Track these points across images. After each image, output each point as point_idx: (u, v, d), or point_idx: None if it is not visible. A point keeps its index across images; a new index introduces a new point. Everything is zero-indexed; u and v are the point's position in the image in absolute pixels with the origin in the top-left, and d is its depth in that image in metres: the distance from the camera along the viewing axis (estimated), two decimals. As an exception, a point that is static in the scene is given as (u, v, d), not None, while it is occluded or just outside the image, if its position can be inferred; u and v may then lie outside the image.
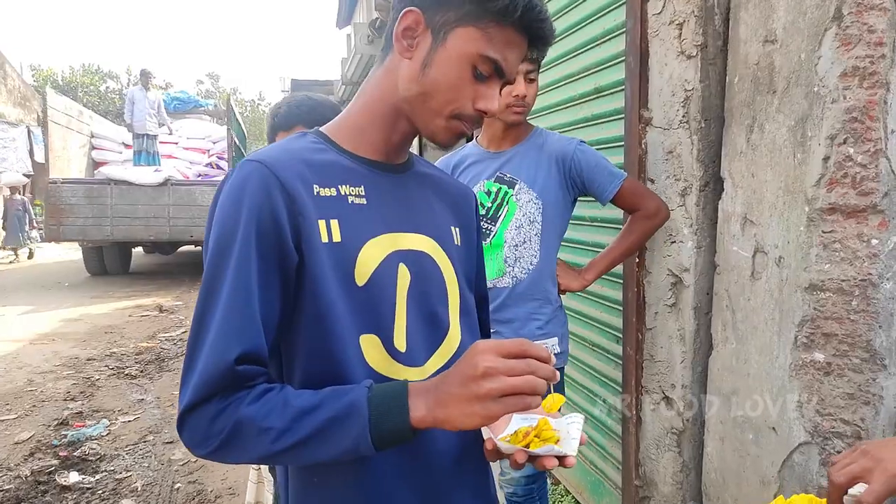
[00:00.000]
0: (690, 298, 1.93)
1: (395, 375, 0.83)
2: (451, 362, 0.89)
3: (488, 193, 1.89)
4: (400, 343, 0.83)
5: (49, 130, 9.55)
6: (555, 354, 1.89)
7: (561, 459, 0.76)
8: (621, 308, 2.24)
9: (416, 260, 0.86)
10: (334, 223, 0.80)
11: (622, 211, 2.14)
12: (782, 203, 1.59)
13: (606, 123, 2.33)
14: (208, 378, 0.71)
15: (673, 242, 1.98)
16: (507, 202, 1.86)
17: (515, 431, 0.82)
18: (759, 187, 1.67)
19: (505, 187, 1.87)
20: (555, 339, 1.88)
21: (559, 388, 1.96)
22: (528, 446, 0.79)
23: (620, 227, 1.96)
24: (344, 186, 0.82)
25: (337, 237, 0.79)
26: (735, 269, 1.78)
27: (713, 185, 1.89)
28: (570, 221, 2.01)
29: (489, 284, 1.87)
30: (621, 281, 2.22)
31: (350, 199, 0.82)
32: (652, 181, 2.04)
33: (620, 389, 2.29)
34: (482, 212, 1.90)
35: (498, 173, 1.89)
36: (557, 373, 0.71)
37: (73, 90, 27.53)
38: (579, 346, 2.66)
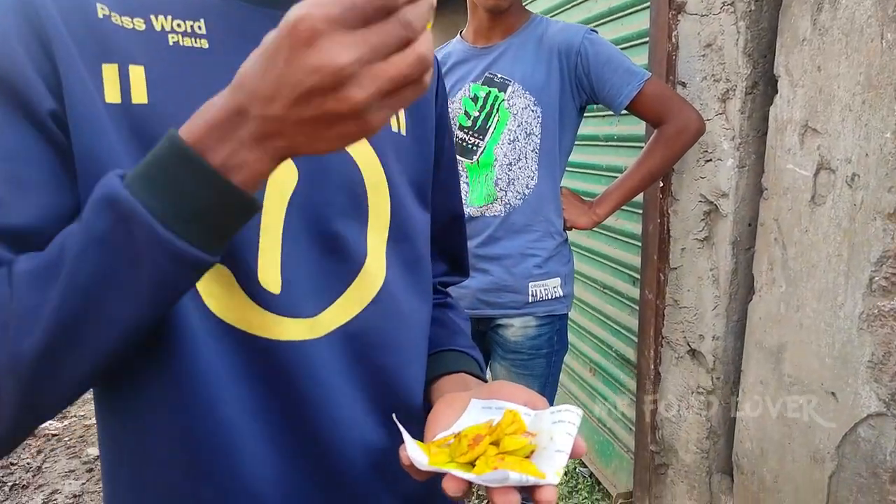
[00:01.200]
0: (728, 231, 1.59)
1: (266, 333, 0.52)
2: (366, 316, 0.58)
3: (474, 100, 1.52)
4: (270, 280, 0.52)
5: None
6: (557, 298, 1.56)
7: (532, 491, 0.43)
8: (639, 244, 1.91)
9: None
10: (136, 73, 0.45)
11: (644, 126, 1.77)
12: (860, 103, 1.22)
13: (628, 17, 1.93)
14: None
15: (708, 161, 1.62)
16: (498, 109, 1.49)
17: (459, 433, 0.49)
18: (827, 84, 1.30)
19: (495, 91, 1.50)
20: (556, 281, 1.55)
21: (552, 375, 1.63)
22: (472, 464, 0.46)
23: (642, 146, 1.59)
24: (162, 17, 0.47)
25: (140, 96, 0.46)
26: (789, 193, 1.42)
27: (763, 87, 1.52)
28: (578, 142, 1.65)
29: (475, 212, 1.53)
30: (640, 211, 1.88)
31: (173, 37, 0.47)
32: (683, 84, 1.66)
33: (636, 340, 1.98)
34: (467, 123, 1.53)
35: (486, 73, 1.51)
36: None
37: None
38: (588, 289, 2.35)
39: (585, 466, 2.43)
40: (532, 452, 0.48)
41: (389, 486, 0.60)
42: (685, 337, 1.78)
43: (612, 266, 2.21)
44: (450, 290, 0.82)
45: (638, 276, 1.96)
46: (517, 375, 1.60)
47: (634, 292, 2.02)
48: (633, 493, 2.05)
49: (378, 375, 0.59)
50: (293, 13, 0.33)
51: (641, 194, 1.81)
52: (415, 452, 0.48)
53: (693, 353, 1.76)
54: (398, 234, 0.61)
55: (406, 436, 0.49)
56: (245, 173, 0.38)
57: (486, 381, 0.67)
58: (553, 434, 0.48)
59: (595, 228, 2.11)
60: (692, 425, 1.78)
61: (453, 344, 0.70)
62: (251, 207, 0.40)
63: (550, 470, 0.45)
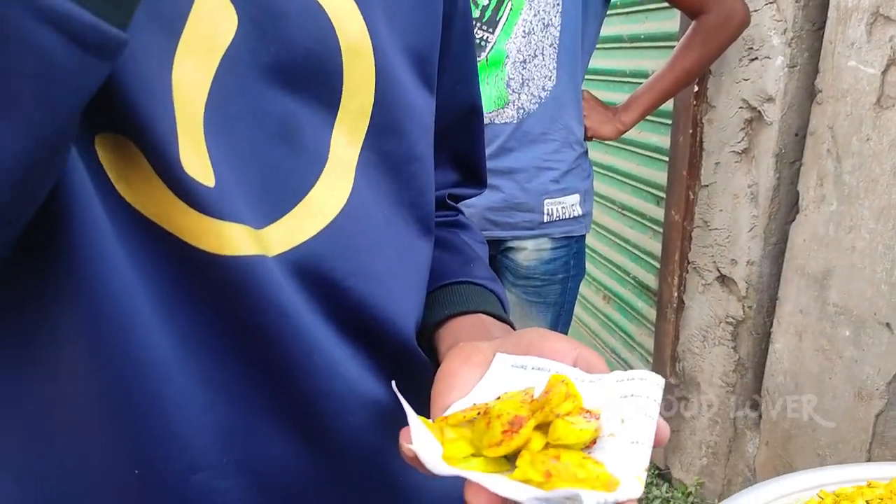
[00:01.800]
0: (773, 141, 1.41)
1: (201, 241, 0.37)
2: (325, 239, 0.42)
3: (484, -15, 1.31)
4: (196, 165, 0.36)
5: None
6: (575, 217, 1.40)
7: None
8: (666, 159, 1.74)
9: None
10: None
11: (677, 22, 1.56)
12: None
13: None
14: None
15: (753, 60, 1.42)
16: (512, -4, 1.28)
17: (488, 409, 0.35)
18: (909, -41, 1.09)
19: (509, -28, 1.28)
20: (575, 198, 1.39)
21: (567, 303, 1.48)
22: (508, 458, 0.31)
23: (673, 47, 1.39)
24: None
25: None
26: (849, 95, 1.24)
27: (824, -32, 1.31)
28: (599, 45, 1.44)
29: (485, 119, 1.34)
30: (669, 121, 1.70)
31: None
32: (727, -31, 1.43)
33: (658, 265, 1.83)
34: (474, 14, 1.32)
35: (499, -50, 1.29)
36: None
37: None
38: (604, 210, 2.19)
39: (596, 397, 2.33)
40: (592, 443, 0.33)
41: (382, 442, 0.45)
42: (714, 262, 1.63)
43: (633, 185, 2.04)
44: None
45: (663, 196, 1.79)
46: (528, 304, 1.46)
47: (658, 213, 1.86)
48: (648, 427, 1.96)
49: (352, 308, 0.44)
50: None
51: (671, 101, 1.62)
52: (424, 445, 0.33)
53: (723, 279, 1.61)
54: (384, 124, 0.45)
55: (411, 414, 0.34)
56: None
57: (512, 326, 0.51)
58: (624, 414, 0.33)
59: (614, 142, 1.94)
60: (718, 357, 1.66)
61: (467, 274, 0.55)
62: None
63: (628, 474, 0.30)
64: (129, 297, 0.35)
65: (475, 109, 0.60)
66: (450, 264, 0.55)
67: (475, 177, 0.64)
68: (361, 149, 0.44)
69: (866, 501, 0.68)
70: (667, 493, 1.82)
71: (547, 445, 0.32)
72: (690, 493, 1.76)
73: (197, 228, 0.36)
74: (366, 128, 0.44)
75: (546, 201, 1.36)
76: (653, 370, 1.91)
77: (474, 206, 1.38)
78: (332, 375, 0.42)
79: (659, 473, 1.90)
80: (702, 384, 1.73)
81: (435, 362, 0.46)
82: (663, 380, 0.35)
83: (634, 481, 0.30)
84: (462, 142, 0.61)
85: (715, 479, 1.73)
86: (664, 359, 1.82)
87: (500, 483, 0.29)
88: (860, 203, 1.24)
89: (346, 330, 0.44)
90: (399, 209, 0.48)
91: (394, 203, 0.47)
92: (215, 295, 0.37)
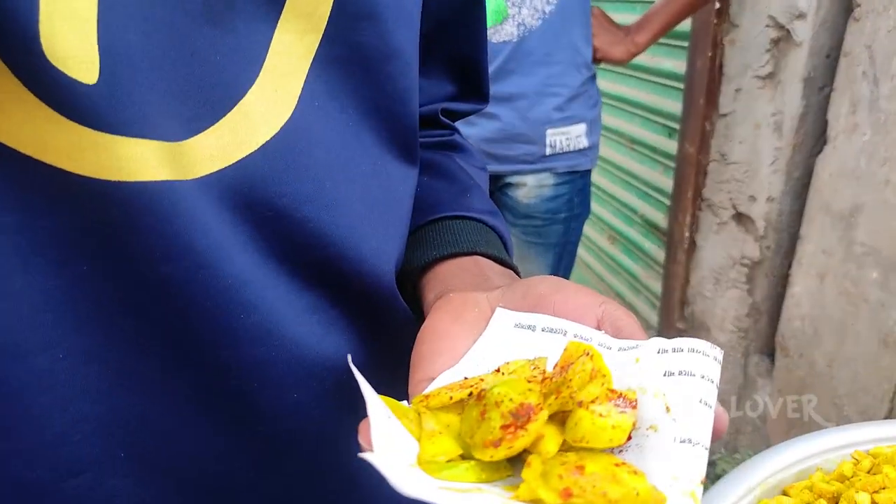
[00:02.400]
0: (801, 63, 1.29)
1: (81, 167, 0.26)
2: (266, 153, 0.32)
3: None
4: (70, 53, 0.25)
5: None
6: (580, 150, 1.29)
7: None
8: (681, 86, 1.62)
9: None
10: None
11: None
12: None
13: None
14: None
15: (783, -30, 1.28)
16: None
17: (482, 389, 0.26)
18: None
19: None
20: (580, 128, 1.28)
21: (570, 244, 1.37)
22: (512, 462, 0.24)
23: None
24: None
25: None
26: (892, 7, 1.11)
27: None
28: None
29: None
30: (686, 43, 1.57)
31: None
32: None
33: (669, 203, 1.73)
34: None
35: None
36: None
37: None
38: (613, 143, 2.10)
39: (599, 342, 2.28)
40: (628, 438, 0.24)
41: (341, 419, 0.36)
42: (731, 199, 1.53)
43: (642, 115, 1.92)
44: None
45: (676, 127, 1.68)
46: (528, 245, 1.37)
47: (671, 146, 1.75)
48: (653, 373, 1.90)
49: (307, 244, 0.34)
50: None
51: (689, 20, 1.49)
52: (389, 444, 0.23)
53: (739, 217, 1.52)
54: (353, 9, 0.33)
55: (371, 398, 0.25)
56: None
57: (518, 273, 0.42)
58: (670, 400, 0.24)
59: (623, 68, 1.81)
60: (730, 301, 1.58)
61: (462, 207, 0.45)
62: None
63: (678, 489, 0.21)
64: None
65: (473, 2, 0.48)
66: (441, 194, 0.46)
67: (475, 87, 0.53)
68: (321, 39, 0.33)
69: (914, 468, 0.60)
70: (671, 440, 1.77)
71: (565, 446, 0.23)
72: (696, 441, 1.72)
73: (77, 146, 0.26)
74: (327, 13, 0.33)
75: (549, 132, 1.25)
76: (660, 315, 1.83)
77: (470, 138, 1.27)
78: (273, 339, 0.32)
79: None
80: (712, 329, 1.65)
81: (419, 317, 0.36)
82: (722, 352, 0.26)
83: (688, 500, 0.21)
84: (459, 41, 0.49)
85: (722, 427, 1.68)
86: (672, 303, 1.75)
87: None
88: (898, 132, 1.13)
89: (300, 275, 0.34)
90: (371, 120, 0.37)
91: (365, 112, 0.37)
92: (105, 239, 0.28)
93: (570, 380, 0.24)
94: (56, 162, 0.25)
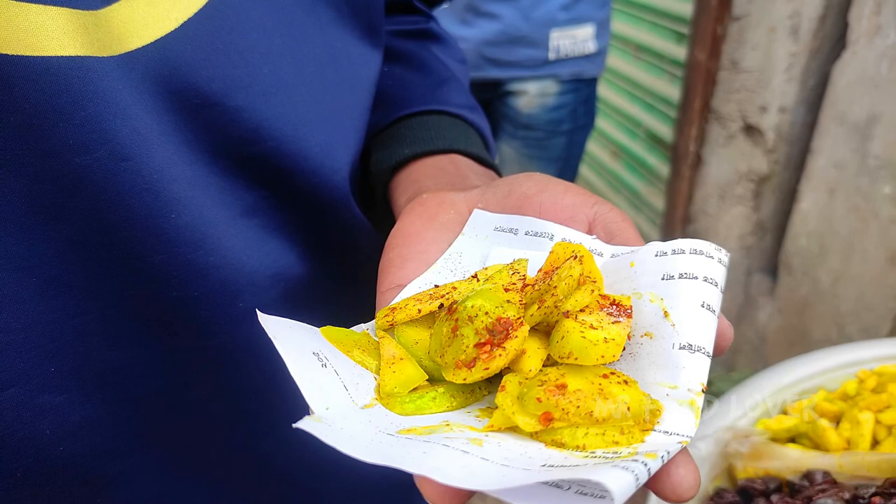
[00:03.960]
0: (825, -41, 1.22)
1: None
2: (192, 30, 0.28)
3: None
4: None
5: None
6: (587, 56, 1.24)
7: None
8: (693, -14, 1.53)
9: None
10: None
11: None
12: None
13: None
14: None
15: None
16: None
17: (453, 301, 0.24)
18: None
19: None
20: (588, 30, 1.22)
21: (572, 157, 1.33)
22: (486, 387, 0.23)
23: None
24: None
25: None
26: None
27: None
28: None
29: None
30: (700, -62, 1.47)
31: None
32: None
33: (675, 115, 1.68)
34: None
35: None
36: None
37: None
38: (619, 51, 2.03)
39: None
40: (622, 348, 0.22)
41: None
42: (740, 110, 1.48)
43: (649, 19, 1.84)
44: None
45: (686, 32, 1.61)
46: (528, 158, 1.33)
47: (679, 53, 1.68)
48: (652, 291, 1.91)
49: (243, 138, 0.30)
50: None
51: (705, -88, 1.40)
52: (321, 391, 0.21)
53: (748, 129, 1.48)
54: None
55: (284, 348, 0.22)
56: None
57: (498, 172, 0.40)
58: (666, 303, 0.22)
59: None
60: (735, 218, 1.56)
61: (438, 100, 0.42)
62: None
63: (676, 399, 0.20)
64: None
65: None
66: (415, 87, 0.42)
67: None
68: None
69: (922, 385, 0.60)
70: (668, 358, 1.80)
71: (549, 362, 0.21)
72: (693, 359, 1.74)
73: None
74: None
75: (553, 34, 1.19)
76: (662, 232, 1.82)
77: (467, 41, 1.22)
78: (208, 242, 0.30)
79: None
80: (714, 247, 1.65)
81: (390, 221, 0.34)
82: (728, 254, 0.24)
83: (686, 412, 0.19)
84: None
85: (720, 346, 1.70)
86: (675, 220, 1.73)
87: (456, 469, 0.18)
88: (925, 35, 1.08)
89: (234, 173, 0.31)
90: None
91: None
92: (13, 127, 0.24)
93: (556, 286, 0.22)
94: None
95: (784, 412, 0.69)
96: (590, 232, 0.27)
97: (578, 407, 0.19)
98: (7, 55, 0.23)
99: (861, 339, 1.20)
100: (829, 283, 1.34)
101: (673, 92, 1.74)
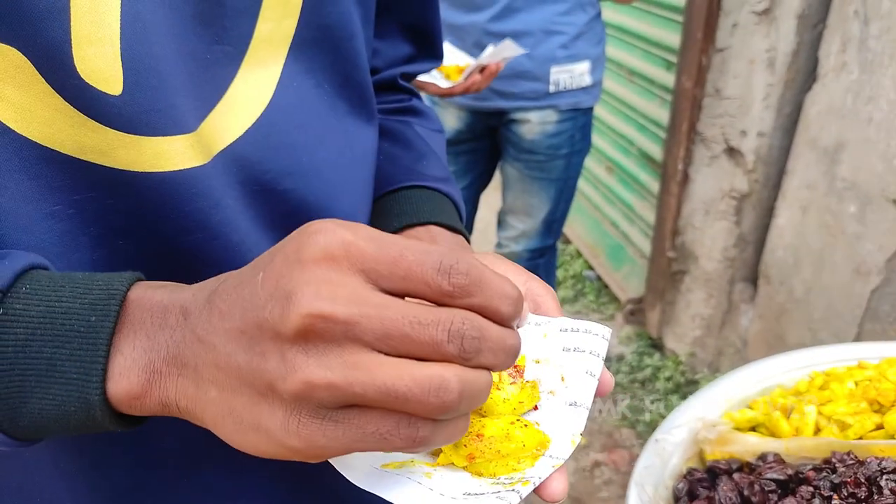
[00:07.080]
0: (796, 0, 1.34)
1: (115, 160, 0.33)
2: (251, 136, 0.38)
3: None
4: (98, 71, 0.31)
5: None
6: (583, 88, 1.35)
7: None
8: (681, 19, 1.65)
9: None
10: None
11: None
12: None
13: None
14: None
15: None
16: None
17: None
18: None
19: None
20: (584, 66, 1.34)
21: (570, 178, 1.44)
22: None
23: None
24: None
25: None
26: (887, -50, 1.16)
27: None
28: None
29: (487, -24, 1.26)
30: (686, -24, 1.59)
31: None
32: None
33: (664, 136, 1.80)
34: None
35: None
36: (525, 314, 0.28)
37: None
38: (610, 75, 2.14)
39: (593, 269, 2.39)
40: (535, 408, 0.33)
41: None
42: (723, 133, 1.60)
43: (642, 48, 1.96)
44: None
45: (674, 61, 1.73)
46: (531, 179, 1.45)
47: (668, 79, 1.80)
48: (643, 299, 2.02)
49: (292, 212, 0.41)
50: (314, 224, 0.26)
51: (690, -46, 1.52)
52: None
53: (731, 151, 1.60)
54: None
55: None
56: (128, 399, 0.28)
57: (466, 238, 0.49)
58: (565, 371, 0.33)
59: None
60: (719, 232, 1.68)
61: (418, 176, 0.51)
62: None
63: (559, 437, 0.30)
64: (25, 239, 0.32)
65: None
66: (399, 161, 0.52)
67: (430, 48, 0.57)
68: (297, 24, 0.39)
69: (855, 382, 0.72)
70: (658, 361, 1.91)
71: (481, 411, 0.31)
72: (681, 363, 1.86)
73: (110, 146, 0.32)
74: (300, 3, 0.39)
75: (553, 70, 1.31)
76: (653, 243, 1.93)
77: (475, 74, 1.33)
78: None
79: (652, 343, 1.99)
80: (700, 258, 1.76)
81: None
82: (610, 331, 0.35)
83: (567, 444, 0.30)
84: (412, 8, 0.54)
85: (706, 350, 1.81)
86: (665, 233, 1.85)
87: (413, 498, 0.28)
88: (883, 72, 1.20)
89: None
90: (344, 91, 0.43)
91: (339, 84, 0.43)
92: (138, 218, 0.34)
93: None
94: (94, 160, 0.32)
95: (749, 407, 0.81)
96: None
97: (490, 447, 0.30)
98: (141, 172, 0.33)
99: (832, 342, 1.32)
100: (803, 291, 1.46)
101: (662, 115, 1.85)
